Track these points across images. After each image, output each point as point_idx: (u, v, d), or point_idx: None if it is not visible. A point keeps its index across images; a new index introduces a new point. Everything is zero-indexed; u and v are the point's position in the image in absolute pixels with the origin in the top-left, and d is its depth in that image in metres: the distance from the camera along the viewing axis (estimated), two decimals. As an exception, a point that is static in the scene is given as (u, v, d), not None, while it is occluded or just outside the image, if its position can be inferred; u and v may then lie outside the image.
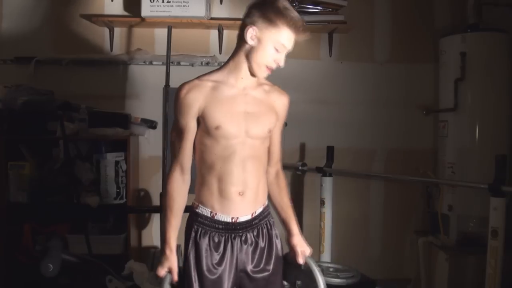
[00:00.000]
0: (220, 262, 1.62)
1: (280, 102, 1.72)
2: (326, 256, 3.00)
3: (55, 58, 3.17)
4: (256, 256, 1.67)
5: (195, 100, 1.57)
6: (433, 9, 3.45)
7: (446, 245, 3.03)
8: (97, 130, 2.93)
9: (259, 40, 1.55)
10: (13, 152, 2.94)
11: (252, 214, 1.67)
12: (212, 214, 1.63)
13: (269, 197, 1.79)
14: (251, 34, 1.55)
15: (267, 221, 1.73)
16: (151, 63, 3.25)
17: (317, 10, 3.16)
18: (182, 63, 3.25)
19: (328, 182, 3.03)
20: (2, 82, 3.04)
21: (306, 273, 1.70)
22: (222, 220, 1.63)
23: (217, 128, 1.57)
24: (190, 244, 1.64)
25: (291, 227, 1.79)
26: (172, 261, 1.61)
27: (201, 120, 1.59)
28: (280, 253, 1.74)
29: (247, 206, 1.64)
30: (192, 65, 3.26)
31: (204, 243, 1.62)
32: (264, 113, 1.65)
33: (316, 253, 3.06)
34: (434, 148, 3.37)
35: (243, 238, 1.65)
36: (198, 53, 3.28)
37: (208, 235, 1.63)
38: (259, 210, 1.70)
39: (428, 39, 3.41)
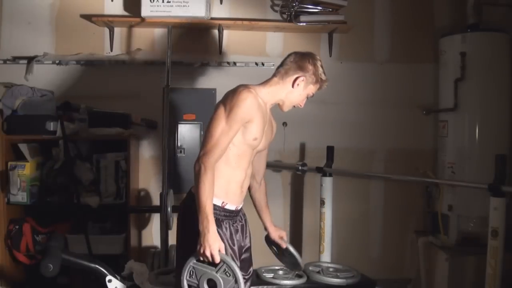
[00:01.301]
0: (233, 241, 1.86)
1: (275, 127, 2.06)
2: (326, 256, 2.99)
3: (55, 58, 3.17)
4: (244, 233, 1.97)
5: (254, 109, 1.78)
6: (433, 9, 3.45)
7: (446, 245, 3.03)
8: (97, 130, 2.93)
9: (302, 87, 1.90)
10: (13, 152, 2.94)
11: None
12: (223, 204, 1.84)
13: (253, 199, 2.15)
14: (299, 82, 1.89)
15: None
16: (151, 63, 3.25)
17: (317, 10, 3.17)
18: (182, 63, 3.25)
19: (328, 182, 3.03)
20: (2, 82, 3.04)
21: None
22: (229, 208, 1.86)
23: (255, 139, 1.83)
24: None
25: (269, 219, 2.19)
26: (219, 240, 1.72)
27: (244, 127, 1.79)
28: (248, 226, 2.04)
29: (243, 198, 1.94)
30: (192, 65, 3.27)
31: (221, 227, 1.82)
32: (269, 134, 1.98)
33: (316, 253, 3.06)
34: (434, 148, 3.37)
35: (238, 220, 1.94)
36: (199, 53, 3.28)
37: (218, 221, 1.79)
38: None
39: (428, 39, 3.42)
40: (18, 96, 2.92)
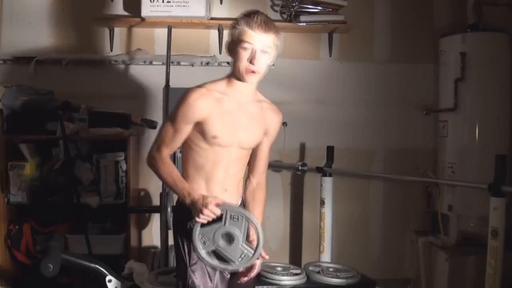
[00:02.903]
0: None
1: (273, 121, 1.84)
2: (326, 256, 2.99)
3: (55, 58, 3.17)
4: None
5: (202, 108, 1.67)
6: (433, 9, 3.45)
7: (446, 245, 3.03)
8: (97, 130, 2.92)
9: (233, 50, 1.68)
10: (13, 152, 2.94)
11: None
12: None
13: (243, 200, 1.90)
14: (230, 47, 1.70)
15: None
16: (151, 63, 3.25)
17: (317, 10, 3.17)
18: (182, 63, 3.25)
19: (328, 182, 3.03)
20: (2, 82, 3.04)
21: None
22: None
23: (214, 137, 1.69)
24: (188, 239, 1.69)
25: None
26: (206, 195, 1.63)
27: (199, 126, 1.69)
28: None
29: (230, 199, 1.75)
30: (192, 65, 3.27)
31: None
32: (254, 127, 1.78)
33: (316, 253, 3.06)
34: (434, 148, 3.36)
35: None
36: (198, 53, 3.28)
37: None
38: (239, 202, 1.85)
39: (428, 39, 3.41)
40: (18, 96, 2.92)
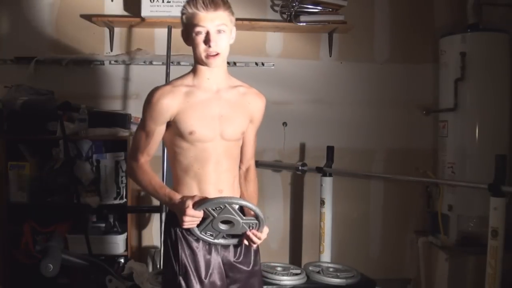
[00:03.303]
0: (209, 260, 1.64)
1: (256, 104, 1.73)
2: (326, 256, 2.99)
3: (55, 58, 3.17)
4: (238, 249, 1.70)
5: (168, 106, 1.59)
6: (433, 9, 3.45)
7: (446, 245, 3.02)
8: (97, 130, 2.93)
9: (189, 38, 1.61)
10: (13, 152, 2.95)
11: None
12: None
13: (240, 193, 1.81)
14: (183, 36, 1.64)
15: None
16: (151, 63, 3.25)
17: (317, 10, 3.16)
18: (182, 63, 3.25)
19: (328, 182, 3.03)
20: (2, 82, 3.04)
21: None
22: None
23: (191, 133, 1.60)
24: (180, 244, 1.63)
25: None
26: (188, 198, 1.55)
27: (174, 125, 1.62)
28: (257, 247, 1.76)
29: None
30: (192, 65, 3.26)
31: (191, 241, 1.63)
32: (237, 116, 1.67)
33: (316, 253, 3.06)
34: (434, 148, 3.36)
35: None
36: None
37: (192, 234, 1.63)
38: None
39: (428, 39, 3.41)
40: (18, 96, 2.92)
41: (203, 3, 1.54)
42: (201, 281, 1.61)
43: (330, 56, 3.39)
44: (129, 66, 3.26)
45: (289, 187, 3.44)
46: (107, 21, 3.13)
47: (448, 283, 2.93)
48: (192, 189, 1.64)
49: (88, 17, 3.19)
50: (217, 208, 1.54)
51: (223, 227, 1.60)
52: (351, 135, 3.41)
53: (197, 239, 1.63)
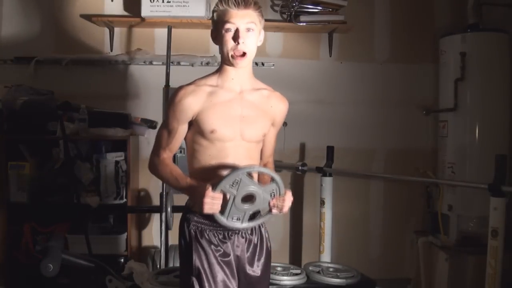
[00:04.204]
0: (222, 262, 1.64)
1: (278, 108, 1.75)
2: (326, 256, 3.00)
3: (55, 58, 3.17)
4: (250, 252, 1.71)
5: (191, 106, 1.61)
6: (433, 9, 3.45)
7: (446, 245, 3.03)
8: (97, 130, 2.93)
9: (218, 37, 1.62)
10: (13, 152, 2.94)
11: None
12: None
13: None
14: (212, 35, 1.65)
15: None
16: (151, 63, 3.25)
17: (317, 10, 3.17)
18: (182, 63, 3.25)
19: (328, 182, 3.03)
20: (2, 82, 3.04)
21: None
22: None
23: (212, 131, 1.61)
24: (193, 246, 1.63)
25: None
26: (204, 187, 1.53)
27: (196, 124, 1.63)
28: (269, 250, 1.78)
29: None
30: (192, 65, 3.27)
31: (204, 242, 1.63)
32: (259, 117, 1.68)
33: (316, 253, 3.06)
34: (434, 148, 3.37)
35: (238, 234, 1.68)
36: (198, 53, 3.28)
37: (206, 234, 1.64)
38: None
39: (428, 39, 3.42)
40: (18, 96, 2.92)
41: (235, 0, 1.56)
42: (214, 282, 1.61)
43: (330, 56, 3.39)
44: (129, 66, 3.27)
45: (289, 187, 3.44)
46: (107, 21, 3.13)
47: (448, 283, 2.93)
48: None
49: (88, 17, 3.19)
50: (234, 184, 1.53)
51: (246, 206, 1.58)
52: (351, 135, 3.41)
53: (210, 241, 1.63)
